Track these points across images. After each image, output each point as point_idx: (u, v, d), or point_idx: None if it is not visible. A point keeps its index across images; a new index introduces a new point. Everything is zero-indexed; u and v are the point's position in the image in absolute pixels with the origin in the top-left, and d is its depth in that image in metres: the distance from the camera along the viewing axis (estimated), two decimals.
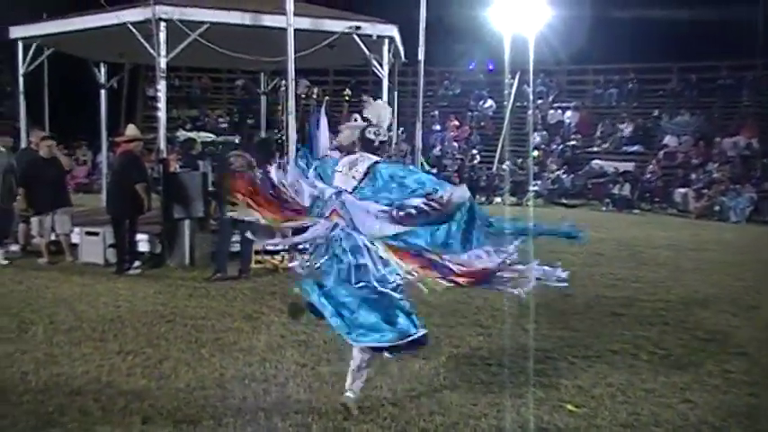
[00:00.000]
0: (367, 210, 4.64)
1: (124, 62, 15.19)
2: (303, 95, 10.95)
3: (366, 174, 4.78)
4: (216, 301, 7.90)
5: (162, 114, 10.48)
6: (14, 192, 10.14)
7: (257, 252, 9.89)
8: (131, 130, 10.11)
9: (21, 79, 12.35)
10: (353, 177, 4.82)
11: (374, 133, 5.01)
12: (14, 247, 10.59)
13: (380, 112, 5.22)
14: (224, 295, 8.21)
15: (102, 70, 14.58)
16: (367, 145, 4.99)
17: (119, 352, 5.97)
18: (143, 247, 10.08)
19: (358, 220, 4.65)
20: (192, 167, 10.96)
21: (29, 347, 6.04)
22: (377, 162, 4.85)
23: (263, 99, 16.60)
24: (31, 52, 12.18)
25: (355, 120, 5.29)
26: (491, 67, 28.44)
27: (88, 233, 10.23)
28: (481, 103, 27.74)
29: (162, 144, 10.41)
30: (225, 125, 25.48)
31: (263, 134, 16.20)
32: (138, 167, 9.68)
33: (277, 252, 9.85)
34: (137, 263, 9.66)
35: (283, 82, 10.52)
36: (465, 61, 28.83)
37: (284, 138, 10.17)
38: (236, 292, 8.37)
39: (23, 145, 12.16)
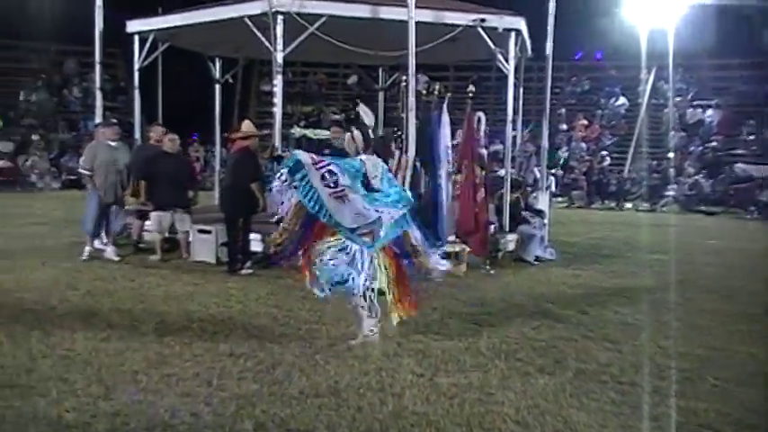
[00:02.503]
0: (392, 217, 5.95)
1: (239, 57, 15.58)
2: (423, 92, 10.80)
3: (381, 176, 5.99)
4: (331, 305, 7.86)
5: (278, 110, 10.64)
6: (123, 187, 10.57)
7: None
8: (247, 126, 10.29)
9: (136, 74, 12.85)
10: (377, 179, 6.02)
11: (372, 135, 6.08)
12: (98, 244, 10.84)
13: (371, 115, 6.54)
14: (339, 299, 8.17)
15: (217, 65, 15.01)
16: (368, 146, 6.06)
17: (230, 354, 6.04)
18: (256, 246, 10.24)
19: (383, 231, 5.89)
20: None
21: (139, 346, 6.21)
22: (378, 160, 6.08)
23: (381, 95, 16.65)
24: (146, 47, 12.64)
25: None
26: (599, 56, 27.51)
27: (200, 231, 10.51)
28: (612, 100, 26.93)
29: (277, 141, 10.55)
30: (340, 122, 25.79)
31: (380, 131, 16.24)
32: (253, 165, 9.84)
33: None
34: (249, 263, 9.82)
35: (403, 77, 10.43)
36: (589, 53, 27.98)
37: (403, 136, 10.08)
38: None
39: (138, 140, 12.68)
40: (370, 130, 6.47)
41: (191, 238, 10.55)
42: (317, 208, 5.86)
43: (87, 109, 26.45)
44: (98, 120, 12.46)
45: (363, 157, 6.33)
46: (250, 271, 9.67)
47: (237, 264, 9.71)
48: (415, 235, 6.28)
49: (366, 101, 25.69)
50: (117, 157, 10.56)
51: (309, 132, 14.26)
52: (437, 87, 10.51)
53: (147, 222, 11.15)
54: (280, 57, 10.30)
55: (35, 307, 7.53)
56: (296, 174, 5.87)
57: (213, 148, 19.18)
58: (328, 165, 5.99)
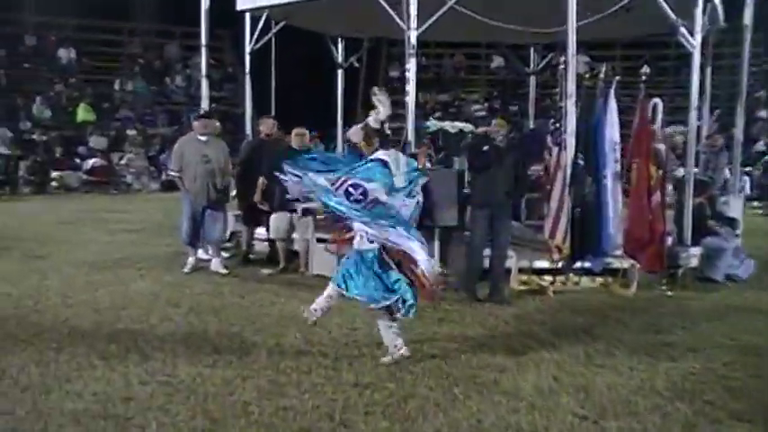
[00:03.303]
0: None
1: (364, 38, 15.89)
2: (585, 75, 10.68)
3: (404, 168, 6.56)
4: (472, 330, 7.97)
5: (410, 99, 10.75)
6: (218, 189, 10.86)
7: (522, 270, 9.85)
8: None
9: (247, 58, 13.27)
10: (401, 175, 6.54)
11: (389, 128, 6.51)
12: (202, 255, 11.28)
13: (388, 105, 7.21)
14: (482, 323, 8.27)
15: (340, 47, 15.33)
16: (385, 140, 6.51)
17: (355, 384, 6.17)
18: None
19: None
20: (445, 164, 11.14)
21: (251, 373, 6.43)
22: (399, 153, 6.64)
23: (532, 80, 16.54)
24: (259, 27, 13.02)
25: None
26: None
27: (320, 240, 10.72)
28: None
29: (410, 135, 10.69)
30: (482, 113, 25.76)
31: (531, 124, 16.15)
32: None
33: (547, 271, 9.78)
34: None
35: (561, 59, 10.34)
36: None
37: (561, 129, 10.00)
38: (497, 320, 8.39)
39: (249, 135, 13.11)
40: (385, 123, 6.70)
41: (310, 248, 10.83)
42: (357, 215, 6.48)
43: (191, 99, 27.61)
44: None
45: (380, 153, 6.71)
46: None
47: None
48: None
49: (514, 87, 25.75)
50: (208, 154, 10.83)
51: (447, 125, 14.29)
52: (602, 70, 10.35)
53: (259, 230, 11.52)
54: (413, 36, 10.42)
55: (132, 326, 7.95)
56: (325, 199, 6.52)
57: (333, 144, 19.58)
58: (347, 179, 6.48)
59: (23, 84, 29.10)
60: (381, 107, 6.95)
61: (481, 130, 11.12)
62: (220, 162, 10.86)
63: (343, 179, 6.47)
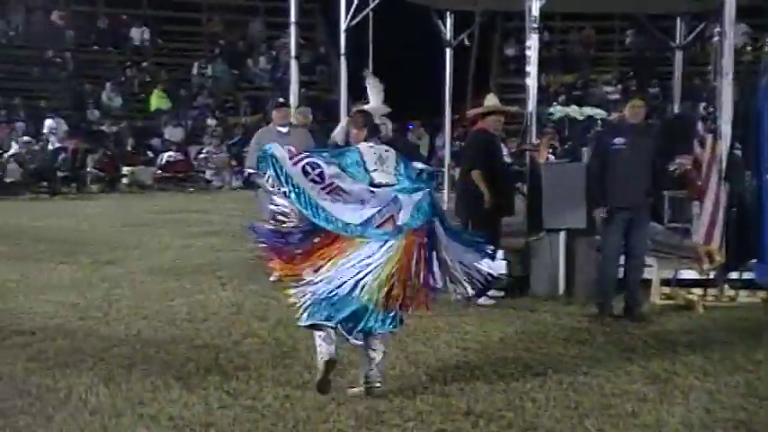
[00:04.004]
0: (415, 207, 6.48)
1: (476, 11, 15.84)
2: (746, 48, 10.40)
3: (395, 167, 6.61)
4: (604, 352, 7.83)
5: (532, 81, 10.67)
6: None
7: (665, 282, 9.62)
8: (490, 99, 10.43)
9: (342, 37, 13.33)
10: (388, 173, 6.56)
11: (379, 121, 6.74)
12: None
13: (381, 95, 7.31)
14: (616, 343, 8.12)
15: (448, 23, 15.28)
16: (375, 133, 6.75)
17: (466, 413, 6.11)
18: (500, 267, 10.34)
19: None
20: (572, 157, 11.01)
21: (347, 397, 6.43)
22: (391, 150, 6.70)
23: (678, 55, 16.19)
24: (355, 2, 13.07)
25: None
26: None
27: None
28: None
29: (531, 122, 10.59)
30: (616, 96, 25.35)
31: (676, 108, 15.84)
32: (483, 150, 9.99)
33: (696, 283, 9.61)
34: (492, 291, 9.94)
35: (716, 29, 10.08)
36: None
37: (713, 113, 9.75)
38: (635, 340, 8.23)
39: (343, 122, 13.19)
40: (378, 111, 7.03)
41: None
42: (313, 212, 6.35)
43: (277, 84, 27.96)
44: (293, 98, 13.05)
45: (361, 145, 6.77)
46: (492, 302, 9.76)
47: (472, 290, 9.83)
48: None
49: (654, 65, 25.23)
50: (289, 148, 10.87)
51: (573, 110, 14.13)
52: (767, 41, 10.06)
53: None
54: (536, 7, 10.33)
55: (213, 342, 8.06)
56: (276, 172, 6.41)
57: (441, 134, 19.56)
58: (307, 157, 6.53)
59: (92, 68, 29.94)
60: (372, 95, 7.02)
61: (615, 116, 10.94)
62: None
63: (302, 155, 6.55)
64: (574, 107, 16.93)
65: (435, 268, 6.64)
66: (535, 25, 10.48)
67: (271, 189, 6.55)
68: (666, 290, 9.83)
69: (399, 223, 6.38)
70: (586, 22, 28.62)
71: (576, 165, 10.74)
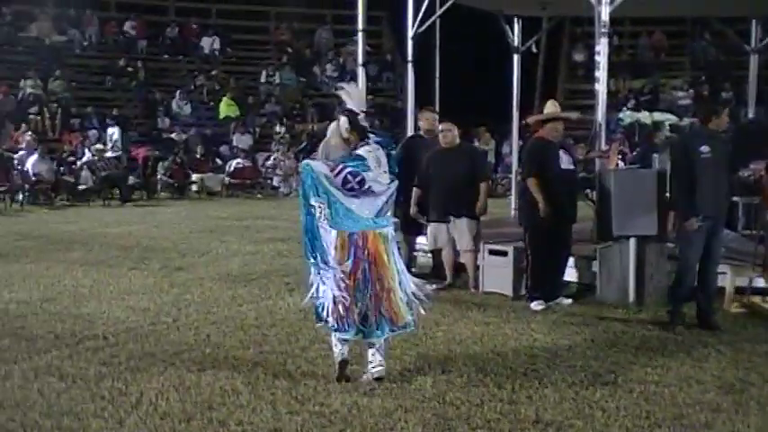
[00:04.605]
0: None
1: (543, 17, 15.75)
2: None
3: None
4: (676, 360, 7.70)
5: (601, 87, 10.60)
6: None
7: (740, 291, 9.51)
8: (550, 106, 10.39)
9: (409, 43, 13.33)
10: (385, 172, 7.00)
11: (364, 120, 7.06)
12: None
13: (362, 96, 7.62)
14: (688, 352, 7.99)
15: (516, 28, 15.22)
16: (363, 133, 7.01)
17: (535, 422, 6.07)
18: (568, 275, 10.27)
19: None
20: (642, 163, 10.89)
21: (414, 404, 6.40)
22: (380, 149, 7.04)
23: (753, 59, 15.93)
24: (422, 8, 13.05)
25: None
26: None
27: (492, 252, 10.72)
28: None
29: (600, 128, 10.49)
30: (687, 101, 25.03)
31: (750, 113, 15.59)
32: (544, 159, 9.94)
33: None
34: (562, 298, 9.92)
35: None
36: None
37: None
38: (707, 348, 8.09)
39: (410, 130, 13.19)
40: (360, 116, 7.12)
41: (480, 262, 10.79)
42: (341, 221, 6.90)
43: None
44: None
45: (361, 151, 6.98)
46: (567, 302, 9.86)
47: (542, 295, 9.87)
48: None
49: (727, 69, 24.88)
50: None
51: (644, 116, 13.99)
52: None
53: (421, 240, 11.57)
54: (605, 12, 10.25)
55: (280, 347, 8.09)
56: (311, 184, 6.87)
57: (508, 140, 19.49)
58: (345, 168, 6.87)
59: (163, 77, 30.37)
60: (349, 100, 7.08)
61: (687, 121, 10.79)
62: None
63: (340, 167, 6.87)
64: (644, 113, 16.83)
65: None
66: (604, 30, 10.40)
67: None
68: (740, 298, 9.65)
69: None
70: (657, 26, 28.31)
71: (646, 171, 10.60)
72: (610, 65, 10.81)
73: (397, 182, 7.19)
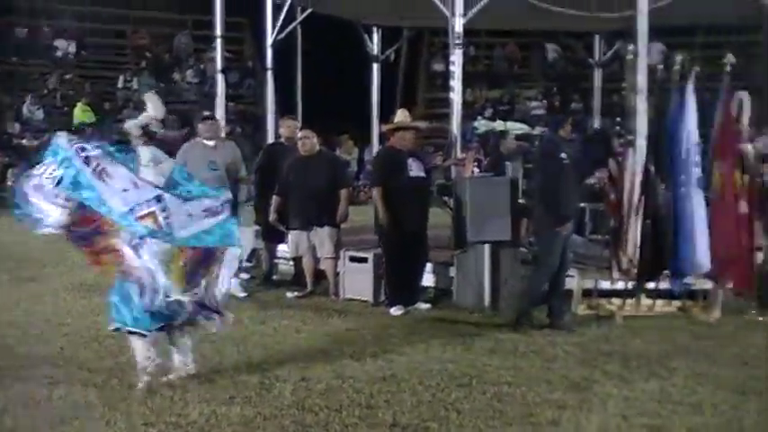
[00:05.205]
0: (189, 212, 7.01)
1: (403, 26, 15.95)
2: (659, 66, 10.65)
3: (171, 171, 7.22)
4: (527, 361, 7.96)
5: (456, 96, 10.81)
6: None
7: (587, 293, 9.86)
8: (399, 115, 10.60)
9: (269, 51, 13.32)
10: (160, 174, 7.13)
11: (157, 128, 7.49)
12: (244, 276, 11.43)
13: (160, 106, 7.98)
14: (539, 353, 8.26)
15: (375, 38, 15.38)
16: (152, 139, 7.38)
17: (392, 425, 6.19)
18: (426, 280, 10.49)
19: (178, 223, 6.90)
20: (497, 171, 11.17)
21: (274, 412, 6.45)
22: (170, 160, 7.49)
23: (597, 73, 16.50)
24: (282, 15, 13.08)
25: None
26: None
27: (352, 259, 10.85)
28: None
29: (456, 137, 10.72)
30: (540, 111, 25.68)
31: (596, 124, 16.12)
32: (391, 168, 10.15)
33: (615, 293, 9.84)
34: (420, 303, 10.14)
35: (629, 47, 10.34)
36: None
37: (626, 129, 10.02)
38: (556, 349, 8.38)
39: (270, 138, 13.20)
40: (154, 122, 7.61)
41: (340, 268, 10.92)
42: (89, 194, 6.77)
43: (204, 98, 27.75)
44: (219, 111, 13.04)
45: (140, 147, 7.35)
46: (425, 307, 10.09)
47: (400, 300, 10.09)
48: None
49: (576, 81, 25.61)
50: (216, 161, 10.87)
51: (498, 125, 14.36)
52: (678, 60, 10.32)
53: (282, 247, 11.62)
54: (459, 24, 10.47)
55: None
56: (60, 159, 6.91)
57: (370, 148, 19.63)
58: (77, 142, 7.15)
59: (12, 80, 29.39)
60: (151, 107, 7.49)
61: (539, 131, 11.13)
62: (232, 169, 10.96)
63: (81, 145, 7.13)
64: (499, 122, 17.26)
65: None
66: (458, 41, 10.62)
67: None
68: (588, 300, 10.02)
69: (176, 234, 6.90)
70: (511, 38, 28.89)
71: (499, 178, 10.88)
72: (467, 75, 11.03)
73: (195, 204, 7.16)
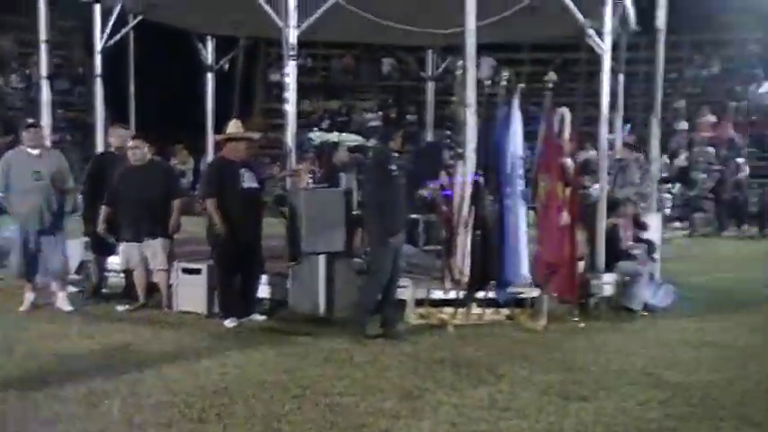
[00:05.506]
0: None
1: (239, 36, 15.85)
2: (488, 81, 10.92)
3: None
4: (361, 371, 8.00)
5: (290, 107, 10.79)
6: (52, 211, 10.65)
7: (420, 302, 10.00)
8: (232, 126, 10.54)
9: (98, 57, 13.00)
10: None
11: None
12: (72, 289, 11.25)
13: None
14: (372, 362, 8.32)
15: (210, 47, 15.23)
16: None
17: None
18: (262, 291, 10.46)
19: None
20: (330, 182, 11.22)
21: (101, 427, 6.32)
22: None
23: (430, 86, 16.78)
24: (111, 20, 12.78)
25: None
26: None
27: (185, 271, 10.71)
28: (753, 87, 26.71)
29: (290, 149, 10.72)
30: (376, 123, 25.94)
31: (429, 136, 16.38)
32: (223, 179, 10.11)
33: (447, 302, 10.00)
34: (255, 315, 10.11)
35: (459, 62, 10.55)
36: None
37: (456, 142, 10.23)
38: (390, 359, 8.46)
39: (100, 147, 12.89)
40: None
41: (173, 280, 10.76)
42: None
43: (30, 104, 26.87)
44: (45, 119, 12.63)
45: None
46: (260, 318, 10.06)
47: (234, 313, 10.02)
48: None
49: (409, 94, 26.06)
50: (40, 170, 10.62)
51: (333, 136, 14.44)
52: (505, 76, 10.59)
53: (112, 259, 11.37)
54: (293, 35, 10.47)
55: None
56: None
57: (205, 157, 19.40)
58: None
59: None
60: None
61: (373, 143, 11.23)
62: (58, 178, 10.67)
63: None
64: (334, 133, 17.36)
65: None
66: (292, 53, 10.62)
67: None
68: (421, 309, 10.15)
69: None
70: (348, 49, 29.08)
71: (333, 190, 10.94)
72: (305, 86, 11.06)
73: None
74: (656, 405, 7.07)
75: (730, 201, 22.89)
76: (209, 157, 16.21)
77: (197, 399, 7.03)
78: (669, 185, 22.88)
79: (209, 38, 15.18)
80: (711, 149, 25.01)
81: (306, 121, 22.52)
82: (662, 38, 12.69)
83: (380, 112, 27.31)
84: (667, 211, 21.12)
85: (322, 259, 10.12)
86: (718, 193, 23.02)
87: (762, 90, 26.58)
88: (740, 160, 24.19)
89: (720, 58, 28.04)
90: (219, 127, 15.03)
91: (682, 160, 24.84)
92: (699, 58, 28.10)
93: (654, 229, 12.38)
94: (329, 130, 24.20)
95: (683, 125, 25.95)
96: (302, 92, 11.13)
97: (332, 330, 9.59)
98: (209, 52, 15.22)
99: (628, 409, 6.92)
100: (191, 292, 10.56)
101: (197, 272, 10.59)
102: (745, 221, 22.63)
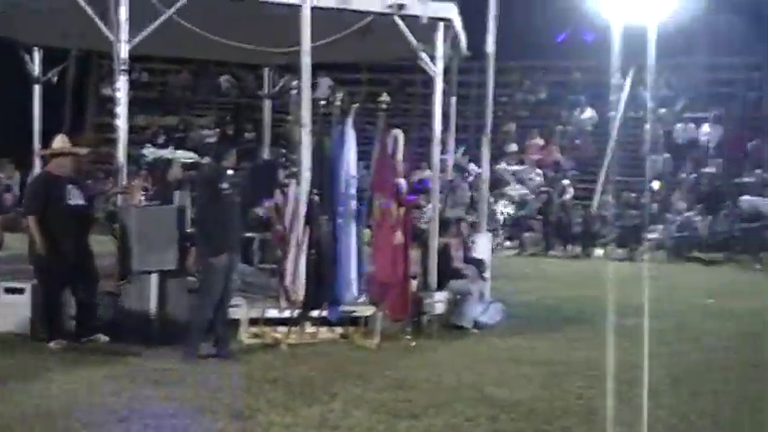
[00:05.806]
0: None
1: (70, 47, 15.40)
2: (323, 101, 10.95)
3: None
4: (192, 391, 7.88)
5: (121, 123, 10.54)
6: None
7: (254, 321, 9.91)
8: (59, 141, 10.30)
9: None
10: None
11: None
12: None
13: None
14: (204, 383, 8.18)
15: (36, 58, 14.73)
16: None
17: None
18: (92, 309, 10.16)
19: None
20: (163, 200, 11.02)
21: None
22: None
23: (267, 104, 16.71)
24: None
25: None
26: (563, 37, 28.06)
27: (8, 290, 10.34)
28: (577, 112, 27.63)
29: (121, 165, 10.48)
30: (213, 139, 25.67)
31: (265, 154, 16.31)
32: (46, 195, 9.82)
33: (281, 321, 9.97)
34: (99, 335, 9.84)
35: (295, 82, 10.55)
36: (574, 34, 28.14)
37: (294, 159, 10.22)
38: (222, 379, 8.35)
39: None
40: None
41: None
42: None
43: None
44: None
45: None
46: (105, 339, 9.79)
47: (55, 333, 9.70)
48: None
49: (248, 111, 25.93)
50: None
51: (168, 153, 14.17)
52: (339, 96, 10.65)
53: None
54: (124, 50, 10.23)
55: None
56: None
57: (32, 172, 18.77)
58: None
59: None
60: None
61: (208, 160, 11.07)
62: None
63: None
64: (168, 150, 17.06)
65: None
66: (124, 67, 10.38)
67: None
68: (254, 329, 10.07)
69: None
70: (184, 65, 28.74)
71: (166, 207, 10.71)
72: (140, 100, 10.85)
73: None
74: (483, 421, 7.20)
75: (556, 221, 23.57)
76: (36, 171, 15.72)
77: (18, 424, 6.79)
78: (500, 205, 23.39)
79: (35, 49, 14.64)
80: (538, 172, 25.76)
81: (140, 137, 22.12)
82: (492, 63, 13.02)
83: (218, 129, 27.05)
84: (498, 230, 21.61)
85: (154, 278, 9.92)
86: (546, 214, 23.68)
87: (584, 116, 27.51)
88: (565, 182, 25.03)
89: (548, 84, 28.88)
90: (48, 141, 14.66)
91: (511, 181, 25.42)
92: (528, 83, 28.87)
93: (484, 249, 12.65)
94: (165, 146, 23.83)
95: (513, 148, 26.61)
96: (138, 107, 10.96)
97: (163, 350, 9.38)
98: (35, 63, 14.70)
99: (457, 426, 7.04)
100: (14, 313, 10.16)
101: (20, 291, 10.22)
102: (569, 241, 23.33)
